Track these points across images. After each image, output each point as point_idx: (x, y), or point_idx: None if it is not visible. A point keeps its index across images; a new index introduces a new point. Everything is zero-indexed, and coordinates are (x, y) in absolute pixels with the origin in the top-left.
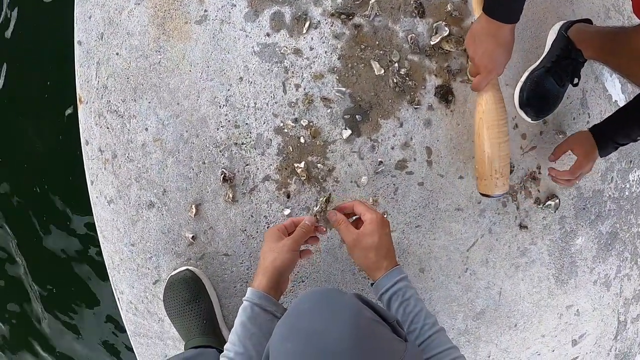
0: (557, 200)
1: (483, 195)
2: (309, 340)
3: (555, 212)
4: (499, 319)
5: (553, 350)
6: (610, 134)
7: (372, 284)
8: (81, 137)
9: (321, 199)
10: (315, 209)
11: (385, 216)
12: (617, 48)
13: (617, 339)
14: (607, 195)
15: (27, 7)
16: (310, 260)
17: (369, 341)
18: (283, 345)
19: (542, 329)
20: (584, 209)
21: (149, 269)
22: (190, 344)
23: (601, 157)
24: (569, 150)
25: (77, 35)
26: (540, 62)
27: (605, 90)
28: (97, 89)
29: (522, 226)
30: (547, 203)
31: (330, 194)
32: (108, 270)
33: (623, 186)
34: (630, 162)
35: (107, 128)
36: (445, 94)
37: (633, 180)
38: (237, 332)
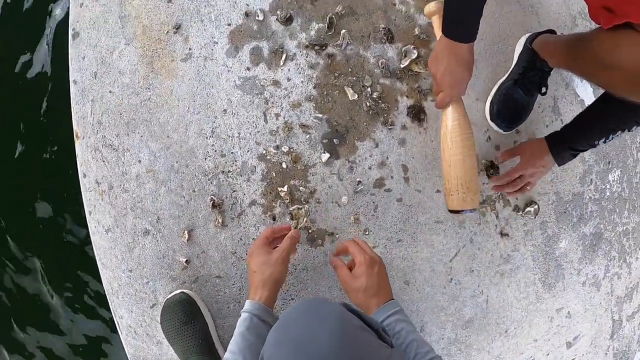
0: (536, 207)
1: (452, 212)
2: (297, 347)
3: (535, 217)
4: (489, 326)
5: (547, 354)
6: (568, 140)
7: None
8: (79, 170)
9: (295, 218)
10: (293, 223)
11: (366, 233)
12: (578, 54)
13: (613, 338)
14: (588, 197)
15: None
16: (298, 279)
17: (355, 346)
18: (275, 352)
19: (534, 334)
20: (564, 212)
21: (146, 293)
22: None
23: (559, 165)
24: (517, 155)
25: (72, 75)
26: (508, 74)
27: (577, 96)
28: (92, 124)
29: (503, 234)
30: (526, 210)
31: (303, 209)
32: (107, 296)
33: (603, 187)
34: (609, 162)
35: (103, 161)
36: (417, 113)
37: (613, 181)
38: (236, 342)
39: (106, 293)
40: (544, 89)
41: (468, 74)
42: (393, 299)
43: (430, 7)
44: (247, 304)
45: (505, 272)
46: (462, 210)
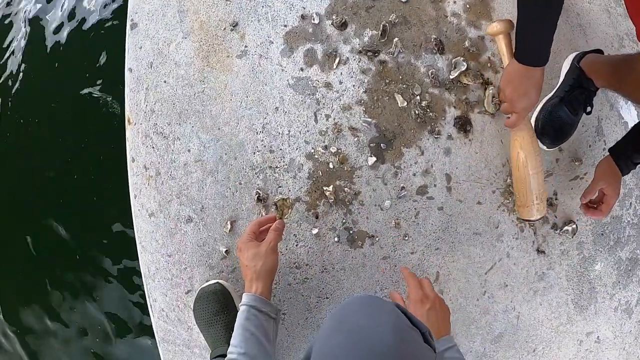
0: (575, 226)
1: (525, 220)
2: (358, 336)
3: (572, 237)
4: (517, 343)
5: None
6: (628, 152)
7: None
8: (127, 154)
9: (280, 209)
10: (277, 213)
11: (406, 238)
12: (625, 76)
13: None
14: (626, 221)
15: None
16: (335, 278)
17: (406, 343)
18: (332, 338)
19: (562, 355)
20: (602, 234)
21: (182, 279)
22: (216, 352)
23: (623, 175)
24: (599, 189)
25: (128, 63)
26: (554, 92)
27: (621, 118)
28: (145, 112)
29: (539, 251)
30: (564, 228)
31: (289, 199)
32: (143, 279)
33: None
34: None
35: (153, 148)
36: (463, 125)
37: None
38: (238, 335)
39: (142, 275)
40: (589, 109)
41: (539, 95)
42: (449, 335)
43: (494, 26)
44: (244, 297)
45: (539, 290)
46: (536, 219)
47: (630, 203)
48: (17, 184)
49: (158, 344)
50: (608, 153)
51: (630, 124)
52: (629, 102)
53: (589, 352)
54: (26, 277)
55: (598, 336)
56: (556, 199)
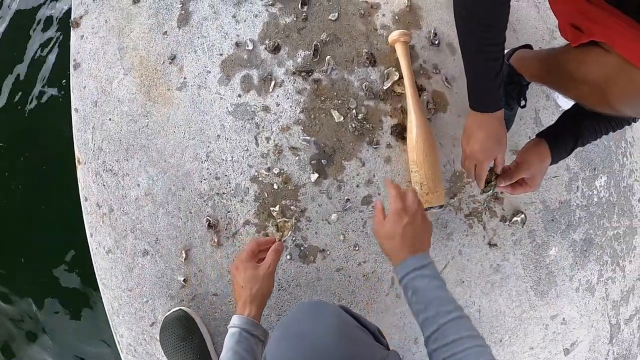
0: (523, 216)
1: (431, 208)
2: (299, 341)
3: (523, 227)
4: (482, 335)
5: None
6: (564, 137)
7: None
8: (80, 194)
9: (280, 230)
10: (277, 235)
11: (356, 248)
12: (550, 69)
13: (612, 343)
14: (575, 204)
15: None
16: (292, 295)
17: (352, 342)
18: (278, 346)
19: (530, 342)
20: (552, 220)
21: (145, 312)
22: None
23: (553, 163)
24: (521, 169)
25: (74, 103)
26: None
27: (558, 106)
28: (93, 151)
29: (491, 244)
30: (513, 219)
31: (290, 222)
32: (108, 315)
33: (590, 193)
34: (594, 169)
35: (104, 185)
36: (400, 132)
37: (600, 186)
38: (228, 357)
39: (107, 313)
40: (523, 102)
41: (502, 148)
42: (423, 252)
43: (393, 35)
44: (236, 319)
45: (496, 282)
46: (436, 207)
47: (577, 186)
48: None
49: None
50: (540, 139)
51: None
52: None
53: (556, 334)
54: None
55: (564, 318)
56: (501, 193)
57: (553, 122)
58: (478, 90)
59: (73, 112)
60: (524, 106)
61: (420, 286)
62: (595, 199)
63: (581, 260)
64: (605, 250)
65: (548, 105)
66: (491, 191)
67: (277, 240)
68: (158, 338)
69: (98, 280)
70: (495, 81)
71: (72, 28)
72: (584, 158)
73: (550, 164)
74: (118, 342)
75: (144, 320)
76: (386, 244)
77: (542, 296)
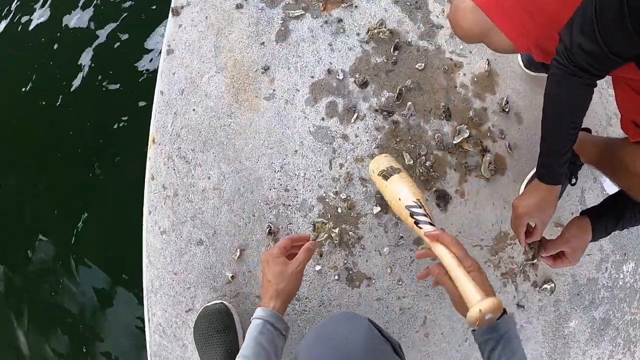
0: (553, 285)
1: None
2: (335, 344)
3: (550, 295)
4: None
5: None
6: (606, 217)
7: (473, 330)
8: (147, 172)
9: (317, 230)
10: (313, 235)
11: (399, 283)
12: (607, 157)
13: None
14: (601, 284)
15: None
16: (331, 313)
17: (377, 351)
18: (313, 347)
19: None
20: (578, 294)
21: (185, 297)
22: None
23: (592, 240)
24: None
25: (160, 86)
26: None
27: (603, 190)
28: (170, 135)
29: (519, 305)
30: (543, 286)
31: (328, 224)
32: (145, 293)
33: (617, 276)
34: (625, 254)
35: (174, 170)
36: (441, 197)
37: (627, 272)
38: (249, 347)
39: (144, 289)
40: (574, 180)
41: (545, 217)
42: (506, 313)
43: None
44: (260, 311)
45: None
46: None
47: (606, 267)
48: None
49: (149, 358)
50: (584, 216)
51: None
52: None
53: None
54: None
55: None
56: (538, 260)
57: (597, 204)
58: (544, 163)
59: (157, 94)
60: (574, 184)
61: (515, 340)
62: (621, 283)
63: (597, 337)
64: (620, 333)
65: (594, 187)
66: (537, 259)
67: (310, 239)
68: (191, 325)
69: (144, 257)
70: (562, 158)
71: (171, 15)
72: (617, 242)
73: (591, 241)
74: (148, 319)
75: (181, 305)
76: (484, 275)
77: None
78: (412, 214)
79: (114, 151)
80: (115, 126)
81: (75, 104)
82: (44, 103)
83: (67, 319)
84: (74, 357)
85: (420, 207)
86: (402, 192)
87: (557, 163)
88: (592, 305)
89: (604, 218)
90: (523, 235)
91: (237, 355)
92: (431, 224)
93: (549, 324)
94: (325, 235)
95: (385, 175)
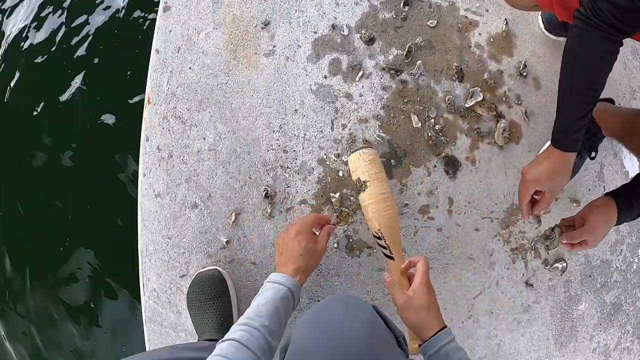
0: (565, 264)
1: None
2: (330, 331)
3: (561, 275)
4: None
5: None
6: (633, 202)
7: (419, 345)
8: (142, 133)
9: (341, 217)
10: (334, 219)
11: (403, 254)
12: (632, 130)
13: None
14: (615, 267)
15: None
16: (329, 282)
17: (380, 343)
18: (308, 332)
19: None
20: (590, 276)
21: (179, 262)
22: (205, 337)
23: (617, 224)
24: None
25: (156, 44)
26: None
27: (623, 167)
28: (166, 94)
29: (528, 284)
30: (554, 265)
31: (351, 218)
32: (139, 257)
33: (631, 260)
34: None
35: (169, 130)
36: (449, 163)
37: None
38: (267, 309)
39: (139, 253)
40: (593, 154)
41: (556, 186)
42: (447, 327)
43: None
44: (284, 278)
45: (522, 321)
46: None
47: (621, 250)
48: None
49: (144, 323)
50: (609, 198)
51: (631, 174)
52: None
53: None
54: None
55: None
56: (557, 247)
57: (624, 183)
58: (560, 126)
59: (153, 52)
60: (594, 158)
61: (462, 355)
62: (635, 267)
63: (606, 322)
64: (630, 319)
65: (614, 162)
66: (555, 248)
67: (331, 222)
68: (185, 291)
69: (139, 221)
70: (579, 122)
71: None
72: (634, 224)
73: (614, 225)
74: (143, 285)
75: (175, 270)
76: (420, 315)
77: (560, 347)
78: (377, 242)
79: (111, 111)
80: (111, 89)
81: (68, 62)
82: (40, 60)
83: (65, 285)
84: (67, 326)
85: (381, 239)
86: (367, 217)
87: (574, 127)
88: (604, 288)
89: (632, 202)
90: (527, 203)
91: (251, 315)
92: (390, 257)
93: (558, 305)
94: (346, 226)
95: (356, 188)
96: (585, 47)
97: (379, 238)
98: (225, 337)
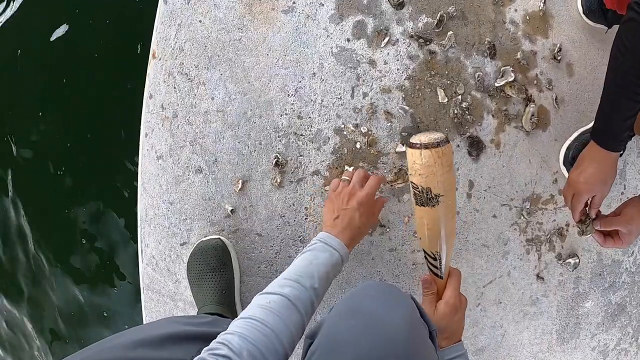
0: (577, 260)
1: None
2: (368, 321)
3: (573, 271)
4: (497, 359)
5: None
6: None
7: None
8: (145, 90)
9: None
10: (389, 177)
11: (416, 234)
12: None
13: None
14: (625, 268)
15: None
16: None
17: (418, 338)
18: (344, 321)
19: None
20: (600, 274)
21: (180, 229)
22: (205, 310)
23: None
24: (624, 224)
25: None
26: (592, 125)
27: None
28: (173, 49)
29: (539, 277)
30: (567, 260)
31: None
32: (139, 222)
33: None
34: None
35: (174, 88)
36: (473, 144)
37: None
38: (318, 271)
39: (138, 218)
40: (621, 151)
41: (605, 189)
42: (461, 341)
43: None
44: (340, 245)
45: (529, 314)
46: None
47: (633, 251)
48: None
49: (141, 291)
50: None
51: None
52: None
53: None
54: None
55: None
56: (567, 231)
57: None
58: (606, 125)
59: (160, 3)
60: (621, 155)
61: None
62: None
63: (608, 322)
64: (632, 321)
65: (636, 162)
66: (589, 234)
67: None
68: (186, 259)
69: (139, 183)
70: (627, 122)
71: None
72: None
73: None
74: (141, 250)
75: (175, 237)
76: (456, 317)
77: (562, 343)
78: (428, 259)
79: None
80: (115, 39)
81: (76, 17)
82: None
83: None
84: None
85: (436, 259)
86: (424, 234)
87: (622, 127)
88: (612, 288)
89: None
90: (574, 204)
91: (302, 273)
92: (440, 276)
93: (566, 301)
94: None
95: (420, 197)
96: None
97: (434, 259)
98: (272, 289)
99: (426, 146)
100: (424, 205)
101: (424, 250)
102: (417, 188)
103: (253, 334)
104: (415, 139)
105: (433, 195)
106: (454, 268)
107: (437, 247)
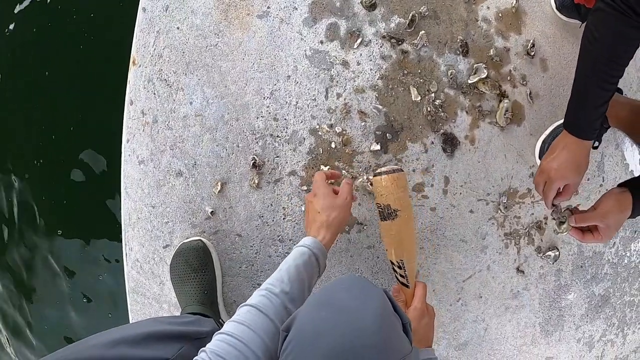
0: (557, 253)
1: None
2: (341, 313)
3: (553, 263)
4: (480, 354)
5: None
6: None
7: None
8: (126, 96)
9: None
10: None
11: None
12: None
13: None
14: (606, 259)
15: None
16: None
17: (390, 329)
18: (317, 312)
19: None
20: (581, 267)
21: (162, 232)
22: (188, 310)
23: (632, 217)
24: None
25: (143, 2)
26: None
27: (623, 159)
28: (152, 55)
29: (519, 270)
30: (547, 253)
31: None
32: (122, 226)
33: (623, 254)
34: (635, 232)
35: (154, 94)
36: (447, 141)
37: (634, 250)
38: (290, 273)
39: (122, 223)
40: (596, 143)
41: (578, 177)
42: (432, 347)
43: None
44: (309, 240)
45: (511, 308)
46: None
47: (614, 242)
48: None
49: (127, 294)
50: (623, 188)
51: (631, 167)
52: (634, 145)
53: None
54: None
55: None
56: (545, 224)
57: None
58: (578, 114)
59: (140, 11)
60: (597, 147)
61: None
62: (626, 261)
63: (592, 314)
64: (616, 312)
65: (615, 154)
66: (566, 232)
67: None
68: (169, 262)
69: (122, 188)
70: (598, 110)
71: None
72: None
73: (629, 218)
74: (126, 254)
75: (158, 240)
76: (423, 321)
77: (546, 335)
78: (394, 268)
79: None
80: (95, 52)
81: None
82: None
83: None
84: (50, 294)
85: (401, 268)
86: (389, 244)
87: (593, 115)
88: (594, 280)
89: None
90: (547, 192)
91: (273, 281)
92: (406, 285)
93: (547, 294)
94: (356, 183)
95: (382, 214)
96: (610, 31)
97: (399, 267)
98: (247, 302)
99: (386, 173)
100: (386, 219)
101: (391, 262)
102: (380, 206)
103: (223, 349)
104: (378, 170)
105: (392, 210)
106: (419, 281)
107: (401, 255)
